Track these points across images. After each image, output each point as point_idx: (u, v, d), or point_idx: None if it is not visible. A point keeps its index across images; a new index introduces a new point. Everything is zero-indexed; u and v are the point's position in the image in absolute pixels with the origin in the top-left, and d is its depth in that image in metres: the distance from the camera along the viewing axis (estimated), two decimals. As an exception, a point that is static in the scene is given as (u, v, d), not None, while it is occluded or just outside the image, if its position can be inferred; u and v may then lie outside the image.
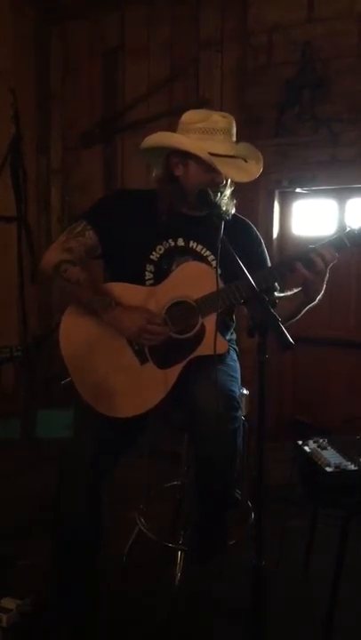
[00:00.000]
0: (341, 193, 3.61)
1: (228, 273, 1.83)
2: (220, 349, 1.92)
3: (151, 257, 2.00)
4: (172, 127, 2.01)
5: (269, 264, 2.15)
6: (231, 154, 1.92)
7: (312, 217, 3.75)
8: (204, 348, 1.92)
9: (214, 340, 1.78)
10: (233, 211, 2.02)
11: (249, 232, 2.17)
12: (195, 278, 1.94)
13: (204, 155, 1.87)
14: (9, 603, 2.02)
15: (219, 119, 1.92)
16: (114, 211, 2.04)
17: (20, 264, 3.77)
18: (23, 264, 3.78)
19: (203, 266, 1.97)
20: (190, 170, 1.95)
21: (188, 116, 1.95)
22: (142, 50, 4.06)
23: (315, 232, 3.68)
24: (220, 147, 1.90)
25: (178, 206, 2.02)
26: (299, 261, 1.88)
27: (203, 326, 1.93)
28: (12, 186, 3.71)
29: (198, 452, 1.92)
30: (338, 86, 3.42)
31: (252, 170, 1.96)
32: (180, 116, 1.99)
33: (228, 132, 1.92)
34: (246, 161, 1.94)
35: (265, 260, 2.15)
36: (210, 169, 1.89)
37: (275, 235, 3.72)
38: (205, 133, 1.90)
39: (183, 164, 1.96)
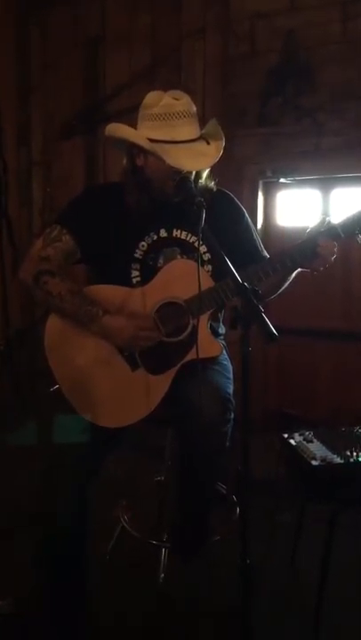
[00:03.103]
0: (326, 183, 3.57)
1: (219, 267, 1.76)
2: (214, 352, 1.89)
3: (135, 255, 1.94)
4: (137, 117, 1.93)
5: (255, 233, 2.10)
6: (190, 138, 1.82)
7: (296, 207, 3.71)
8: (196, 351, 1.81)
9: (197, 344, 1.72)
10: (213, 187, 1.96)
11: (230, 206, 2.09)
12: (183, 277, 1.86)
13: (145, 144, 1.80)
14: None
15: (171, 102, 1.82)
16: (87, 211, 1.96)
17: (0, 257, 3.70)
18: (4, 257, 3.70)
19: (191, 264, 1.89)
20: (149, 159, 1.87)
21: (146, 100, 1.87)
22: (123, 39, 3.98)
23: (299, 222, 3.64)
24: (179, 131, 1.80)
25: (150, 195, 1.93)
26: (301, 254, 1.83)
27: (194, 328, 1.86)
28: (-7, 178, 3.63)
29: (186, 451, 1.88)
30: (322, 75, 3.38)
31: (210, 154, 1.84)
32: (144, 105, 1.89)
33: (187, 113, 1.82)
34: (209, 143, 1.85)
35: (250, 231, 2.09)
36: (162, 159, 1.79)
37: (259, 225, 3.68)
38: (161, 119, 1.80)
39: (143, 154, 1.88)
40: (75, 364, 1.86)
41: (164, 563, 2.11)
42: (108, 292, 1.88)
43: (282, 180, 3.60)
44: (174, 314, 1.86)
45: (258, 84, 3.52)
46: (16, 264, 3.66)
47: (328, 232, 1.83)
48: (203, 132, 1.88)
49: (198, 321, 1.84)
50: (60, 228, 1.92)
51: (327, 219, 1.87)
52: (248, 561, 1.46)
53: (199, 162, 1.84)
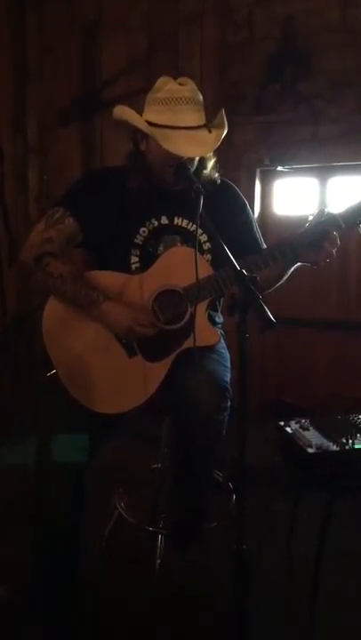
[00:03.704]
0: (323, 171, 3.56)
1: (219, 256, 1.74)
2: (211, 340, 1.88)
3: (135, 241, 1.93)
4: (144, 101, 1.91)
5: (255, 226, 2.09)
6: (192, 124, 1.80)
7: (294, 196, 3.70)
8: (193, 339, 1.80)
9: (194, 332, 1.72)
10: (217, 178, 1.96)
11: (233, 197, 2.08)
12: (182, 264, 1.83)
13: (145, 127, 1.79)
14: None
15: (176, 87, 1.80)
16: (90, 194, 1.95)
17: (-4, 245, 3.69)
18: (0, 245, 3.69)
19: (190, 251, 1.82)
20: (150, 144, 1.86)
21: (156, 84, 1.85)
22: (120, 24, 3.94)
23: (296, 211, 3.63)
24: (181, 117, 1.78)
25: (151, 182, 1.93)
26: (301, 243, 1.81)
27: (192, 316, 1.85)
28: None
29: (183, 439, 1.88)
30: (320, 62, 3.37)
31: (209, 142, 1.82)
32: (152, 89, 1.89)
33: (191, 100, 1.80)
34: (211, 131, 1.83)
35: (251, 223, 2.08)
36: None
37: (256, 214, 3.67)
38: (165, 104, 1.79)
39: (145, 138, 1.87)
40: (72, 349, 1.86)
41: (160, 549, 2.11)
42: (106, 279, 1.87)
43: (279, 168, 3.59)
44: (173, 301, 1.86)
45: (256, 71, 3.51)
46: (12, 252, 3.65)
47: (329, 222, 1.81)
48: (213, 121, 1.86)
49: (196, 309, 1.84)
50: (63, 210, 1.91)
51: (326, 210, 1.84)
52: (244, 546, 1.46)
53: (196, 149, 1.81)
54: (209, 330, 1.86)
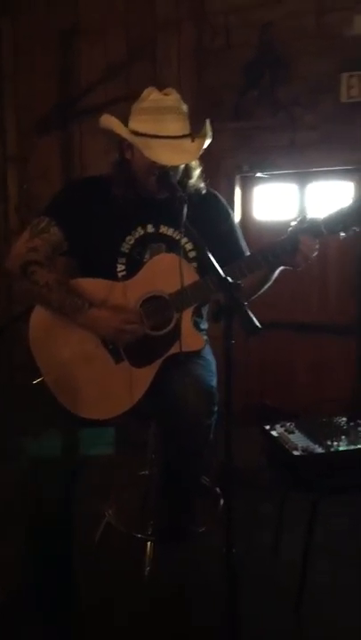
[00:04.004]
0: (302, 177, 3.60)
1: (204, 264, 1.76)
2: (197, 346, 1.90)
3: (122, 249, 1.94)
4: (130, 111, 1.94)
5: (239, 235, 2.11)
6: (175, 134, 1.82)
7: (273, 201, 3.73)
8: (179, 345, 1.85)
9: (180, 338, 1.75)
10: (203, 188, 1.98)
11: (217, 206, 2.10)
12: (168, 271, 1.85)
13: (128, 136, 1.82)
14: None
15: (160, 97, 1.84)
16: (75, 203, 1.97)
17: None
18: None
19: (176, 258, 1.86)
20: (135, 153, 1.88)
21: (143, 94, 1.88)
22: (98, 30, 3.94)
23: (276, 216, 3.67)
24: (165, 127, 1.81)
25: (137, 190, 1.95)
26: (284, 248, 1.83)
27: (178, 322, 1.87)
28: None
29: (170, 443, 1.89)
30: (297, 69, 3.40)
31: (191, 151, 1.85)
32: (138, 99, 1.91)
33: (175, 110, 1.83)
34: (193, 140, 1.86)
35: (235, 232, 2.10)
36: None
37: (237, 220, 3.70)
38: (150, 114, 1.82)
39: (131, 147, 1.89)
40: (59, 356, 1.87)
41: (149, 555, 2.12)
42: (91, 286, 1.89)
43: (259, 174, 3.62)
44: (158, 307, 1.87)
45: (234, 77, 3.53)
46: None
47: (310, 229, 1.83)
48: (198, 131, 1.88)
49: (182, 315, 1.85)
50: (48, 219, 1.92)
51: (307, 216, 1.86)
52: (234, 550, 1.48)
53: (179, 157, 1.83)
54: (195, 336, 1.88)
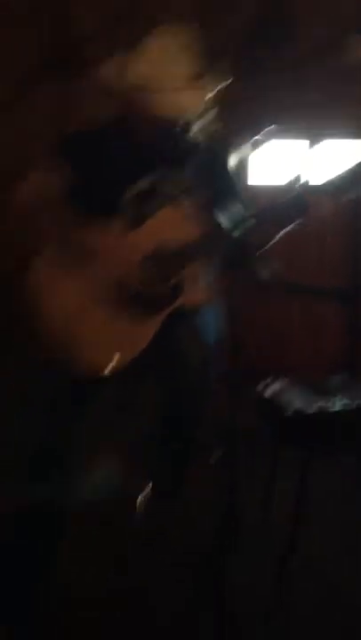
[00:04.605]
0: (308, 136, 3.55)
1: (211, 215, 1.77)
2: (204, 300, 1.87)
3: (123, 202, 1.89)
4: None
5: (240, 187, 2.07)
6: (191, 80, 1.78)
7: (272, 164, 3.68)
8: (185, 300, 1.83)
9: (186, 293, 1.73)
10: (208, 136, 1.93)
11: (217, 156, 2.04)
12: (176, 223, 1.83)
13: (140, 80, 1.77)
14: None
15: (174, 35, 1.80)
16: (79, 154, 1.90)
17: None
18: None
19: (186, 211, 1.83)
20: (145, 100, 1.81)
21: (156, 36, 1.81)
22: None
23: (273, 181, 3.62)
24: (180, 72, 1.78)
25: (140, 140, 1.89)
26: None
27: (184, 275, 1.84)
28: None
29: (170, 396, 1.88)
30: (304, 27, 3.32)
31: (206, 97, 1.81)
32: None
33: (191, 49, 1.80)
34: (209, 88, 1.82)
35: (236, 183, 2.06)
36: None
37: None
38: (165, 57, 1.78)
39: (140, 93, 1.81)
40: (59, 306, 1.84)
41: (140, 506, 2.13)
42: (97, 236, 1.85)
43: (262, 135, 3.55)
44: (166, 260, 1.85)
45: (238, 33, 3.44)
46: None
47: (322, 189, 1.80)
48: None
49: (189, 268, 1.84)
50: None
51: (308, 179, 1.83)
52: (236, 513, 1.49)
53: (195, 105, 1.80)
54: (201, 290, 1.86)
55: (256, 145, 2.23)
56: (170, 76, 1.77)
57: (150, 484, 2.12)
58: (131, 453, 2.28)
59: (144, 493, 2.12)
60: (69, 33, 3.88)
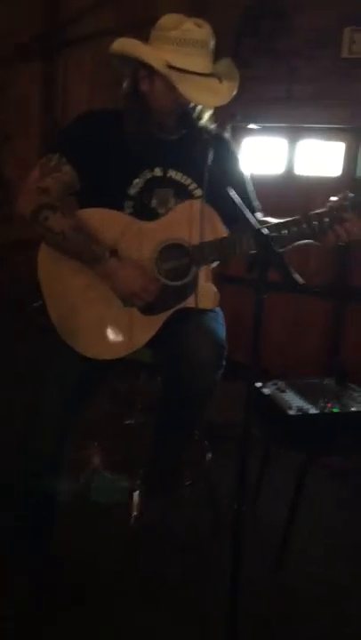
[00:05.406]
0: (294, 132, 3.53)
1: (217, 207, 1.71)
2: (212, 305, 1.81)
3: (129, 192, 1.81)
4: (151, 38, 1.75)
5: (249, 185, 1.99)
6: (205, 71, 1.67)
7: (262, 154, 3.66)
8: (195, 300, 1.75)
9: (196, 295, 1.69)
10: (213, 130, 1.85)
11: (229, 152, 1.98)
12: (193, 221, 1.74)
13: (162, 67, 1.64)
14: None
15: (192, 28, 1.65)
16: (86, 139, 1.80)
17: None
18: None
19: (206, 208, 1.72)
20: (156, 86, 1.72)
21: (163, 21, 1.69)
22: None
23: (263, 170, 3.60)
24: (194, 62, 1.65)
25: (148, 128, 1.80)
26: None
27: (196, 276, 1.77)
28: None
29: (173, 393, 1.82)
30: (298, 19, 3.30)
31: (223, 93, 1.71)
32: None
33: (205, 45, 1.67)
34: (221, 81, 1.70)
35: (245, 180, 1.98)
36: (174, 87, 1.64)
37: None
38: (179, 45, 1.64)
39: (150, 78, 1.72)
40: (67, 291, 1.77)
41: (135, 504, 2.09)
42: (108, 217, 1.77)
43: (251, 125, 3.52)
44: (178, 257, 1.78)
45: (231, 23, 3.38)
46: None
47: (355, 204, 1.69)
48: (216, 69, 1.74)
49: (202, 269, 1.77)
50: (58, 156, 1.76)
51: (350, 194, 1.72)
52: (244, 508, 1.46)
53: (211, 98, 1.71)
54: (212, 294, 1.79)
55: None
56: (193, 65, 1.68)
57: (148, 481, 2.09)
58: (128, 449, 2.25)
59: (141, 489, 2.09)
60: (58, 12, 3.79)
